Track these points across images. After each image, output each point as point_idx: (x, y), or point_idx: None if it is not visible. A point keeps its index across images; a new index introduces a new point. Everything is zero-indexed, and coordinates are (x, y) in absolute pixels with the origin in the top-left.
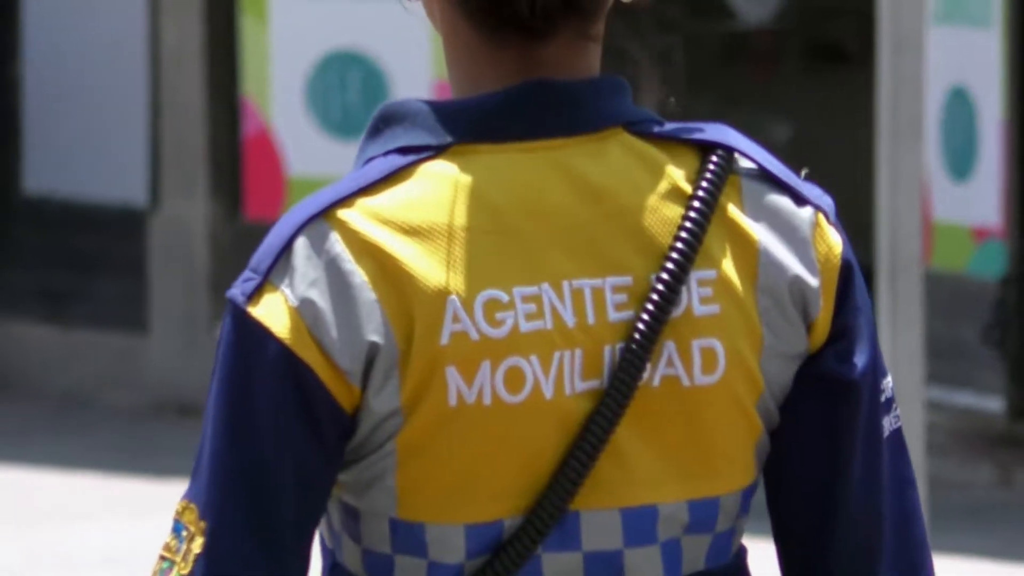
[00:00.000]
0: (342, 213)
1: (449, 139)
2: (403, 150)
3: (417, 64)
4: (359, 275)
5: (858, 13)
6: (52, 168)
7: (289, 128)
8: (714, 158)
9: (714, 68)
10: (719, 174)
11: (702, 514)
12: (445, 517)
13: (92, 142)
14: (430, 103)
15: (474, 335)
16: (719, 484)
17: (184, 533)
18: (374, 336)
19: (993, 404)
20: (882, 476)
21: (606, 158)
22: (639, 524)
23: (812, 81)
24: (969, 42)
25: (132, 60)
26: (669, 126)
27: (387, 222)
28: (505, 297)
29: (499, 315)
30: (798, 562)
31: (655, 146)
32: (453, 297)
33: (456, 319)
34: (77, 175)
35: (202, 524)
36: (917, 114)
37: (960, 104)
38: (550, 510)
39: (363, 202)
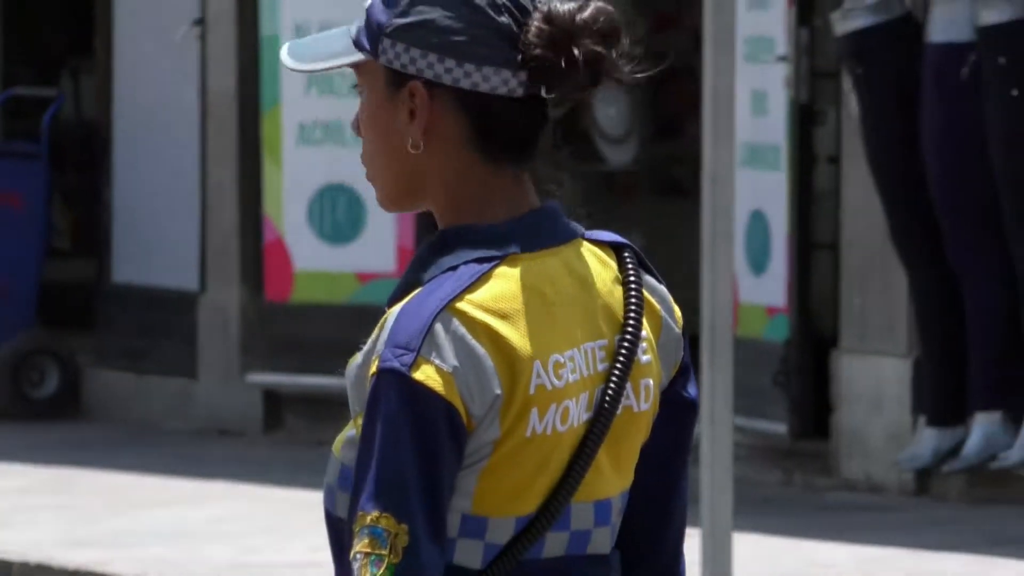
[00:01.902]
0: (459, 305)
1: (507, 251)
2: (479, 260)
3: None
4: (480, 349)
5: (690, 159)
6: (132, 265)
7: (295, 237)
8: (627, 254)
9: (590, 196)
10: (636, 265)
11: (623, 503)
12: (504, 512)
13: (159, 247)
14: (483, 227)
15: (548, 386)
16: (629, 479)
17: (385, 535)
18: (497, 390)
19: (780, 428)
20: (688, 473)
21: (582, 257)
22: (603, 512)
23: (659, 206)
24: (764, 180)
25: (189, 190)
26: (591, 233)
27: (487, 310)
28: (562, 359)
29: (560, 371)
30: (635, 542)
31: (596, 247)
32: (536, 361)
33: (538, 375)
34: (149, 270)
35: (403, 526)
36: (729, 229)
37: (758, 222)
38: (560, 504)
39: (469, 297)
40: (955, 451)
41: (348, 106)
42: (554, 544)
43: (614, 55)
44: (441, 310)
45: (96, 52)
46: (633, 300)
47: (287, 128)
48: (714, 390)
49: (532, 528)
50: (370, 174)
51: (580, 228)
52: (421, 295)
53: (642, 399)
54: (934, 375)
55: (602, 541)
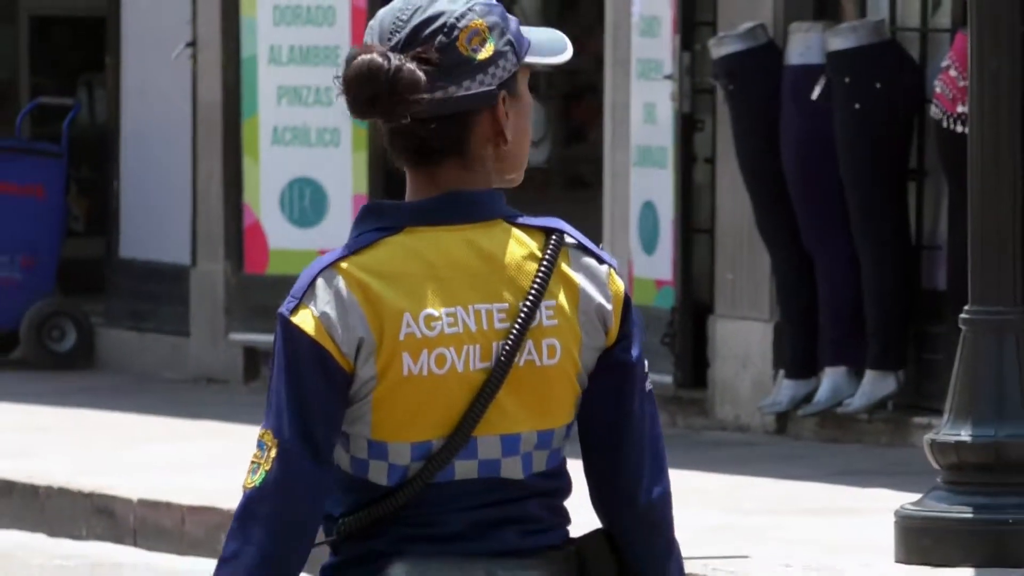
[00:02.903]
0: (342, 264)
1: (402, 224)
2: (378, 229)
3: (344, 186)
4: (351, 299)
5: (593, 159)
6: (135, 243)
7: (270, 221)
8: (553, 237)
9: (510, 189)
10: (555, 247)
11: (545, 438)
12: (399, 438)
13: (158, 228)
14: (391, 203)
15: (418, 335)
16: (554, 421)
17: (265, 447)
18: (361, 334)
19: (666, 379)
20: (645, 416)
21: (492, 235)
22: (511, 444)
23: (567, 197)
24: (654, 176)
25: (182, 182)
26: (526, 218)
27: (365, 270)
28: (437, 313)
29: (433, 324)
30: (598, 470)
31: (521, 230)
32: (407, 313)
33: (408, 325)
34: (149, 247)
35: (276, 440)
36: (625, 217)
37: (648, 211)
38: (462, 436)
39: (352, 259)
40: (808, 398)
41: (312, 113)
42: (465, 469)
43: (387, 95)
44: (326, 268)
45: (107, 68)
46: (540, 273)
47: (263, 132)
48: None
49: (438, 456)
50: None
51: (504, 212)
52: (322, 257)
53: (545, 356)
54: (791, 336)
55: (514, 468)
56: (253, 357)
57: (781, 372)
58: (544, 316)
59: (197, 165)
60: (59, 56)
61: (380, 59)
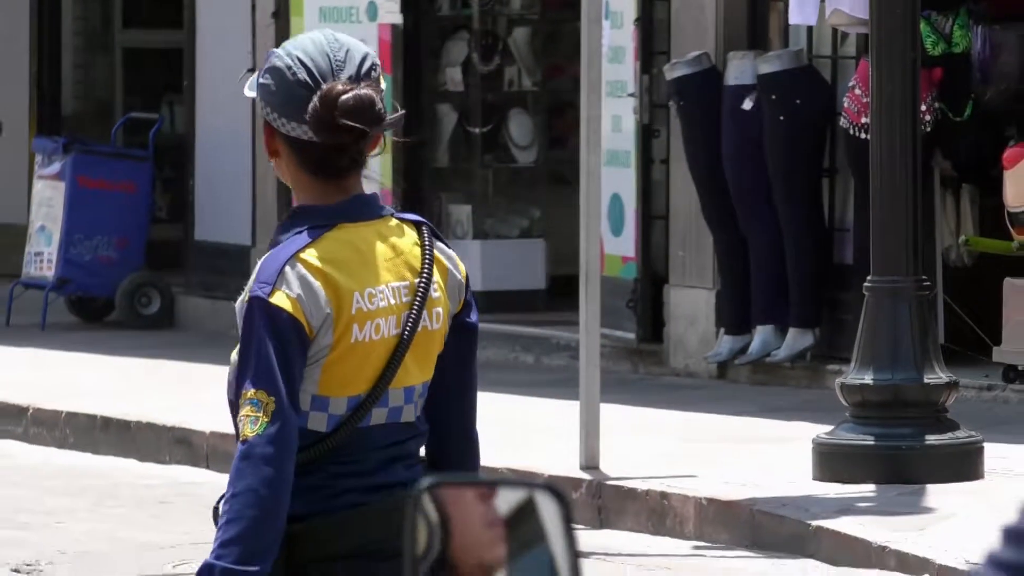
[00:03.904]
0: (302, 255)
1: (335, 222)
2: (312, 228)
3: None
4: (315, 283)
5: (572, 160)
6: (207, 227)
7: None
8: (425, 229)
9: (504, 184)
10: (430, 236)
11: (424, 388)
12: (339, 393)
13: (225, 215)
14: (318, 207)
15: (365, 308)
16: (430, 374)
17: (260, 404)
18: (327, 310)
19: (630, 335)
20: (477, 367)
21: (391, 228)
22: (409, 395)
23: (551, 191)
24: (620, 174)
25: (244, 178)
26: (399, 213)
27: (321, 259)
28: (374, 291)
29: (373, 299)
30: (444, 411)
31: (402, 223)
32: (356, 292)
33: (357, 301)
34: (218, 230)
35: (271, 398)
36: (597, 206)
37: (616, 202)
38: (381, 389)
39: (308, 251)
40: (743, 351)
41: None
42: (379, 416)
43: (371, 121)
44: (290, 258)
45: (184, 89)
46: (427, 257)
47: None
48: (588, 311)
49: (362, 406)
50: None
51: (390, 209)
52: (277, 249)
53: (434, 321)
54: (729, 301)
55: (409, 413)
56: None
57: (722, 330)
58: (432, 290)
59: (255, 166)
60: (147, 80)
61: (372, 92)
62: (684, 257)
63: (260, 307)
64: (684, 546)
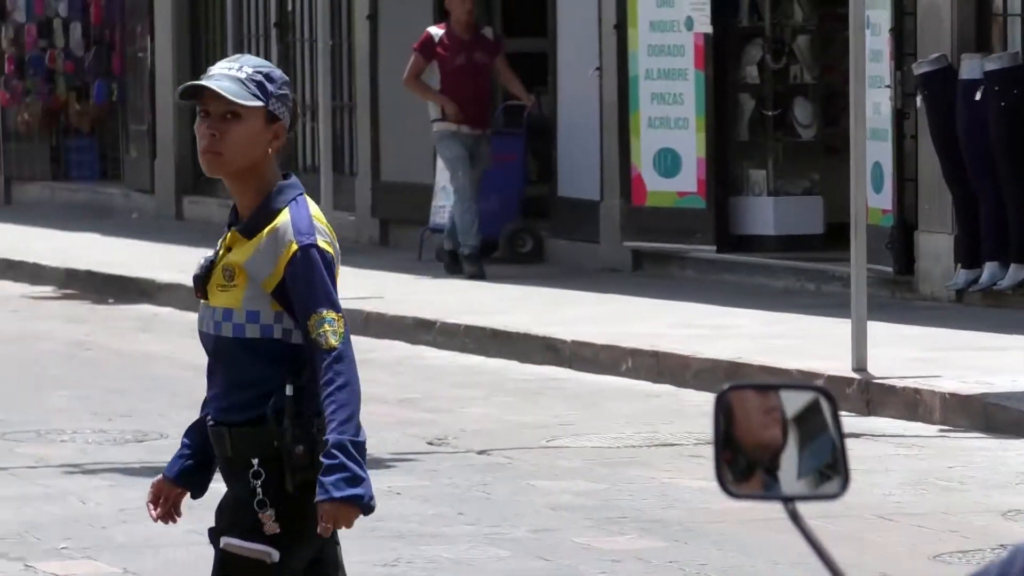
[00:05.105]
0: (314, 212)
1: (304, 189)
2: (300, 193)
3: (691, 152)
4: (328, 233)
5: (842, 136)
6: (567, 186)
7: (647, 173)
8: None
9: (791, 155)
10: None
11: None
12: None
13: (580, 176)
14: (293, 179)
15: (338, 253)
16: None
17: (335, 320)
18: (338, 250)
19: (889, 269)
20: None
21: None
22: None
23: (828, 160)
24: (880, 146)
25: (593, 149)
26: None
27: (320, 218)
28: (336, 243)
29: (334, 246)
30: None
31: None
32: (335, 241)
33: (337, 248)
34: (575, 188)
35: (340, 316)
36: (864, 170)
37: (877, 168)
38: None
39: (315, 211)
40: (976, 281)
41: (671, 109)
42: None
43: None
44: (312, 217)
45: (548, 83)
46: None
47: (642, 121)
48: (857, 250)
49: None
50: (230, 158)
51: None
52: (296, 208)
53: None
54: (964, 242)
55: None
56: (639, 257)
57: (959, 265)
58: None
59: (603, 140)
60: (521, 76)
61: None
62: (929, 209)
63: (317, 251)
64: (931, 430)
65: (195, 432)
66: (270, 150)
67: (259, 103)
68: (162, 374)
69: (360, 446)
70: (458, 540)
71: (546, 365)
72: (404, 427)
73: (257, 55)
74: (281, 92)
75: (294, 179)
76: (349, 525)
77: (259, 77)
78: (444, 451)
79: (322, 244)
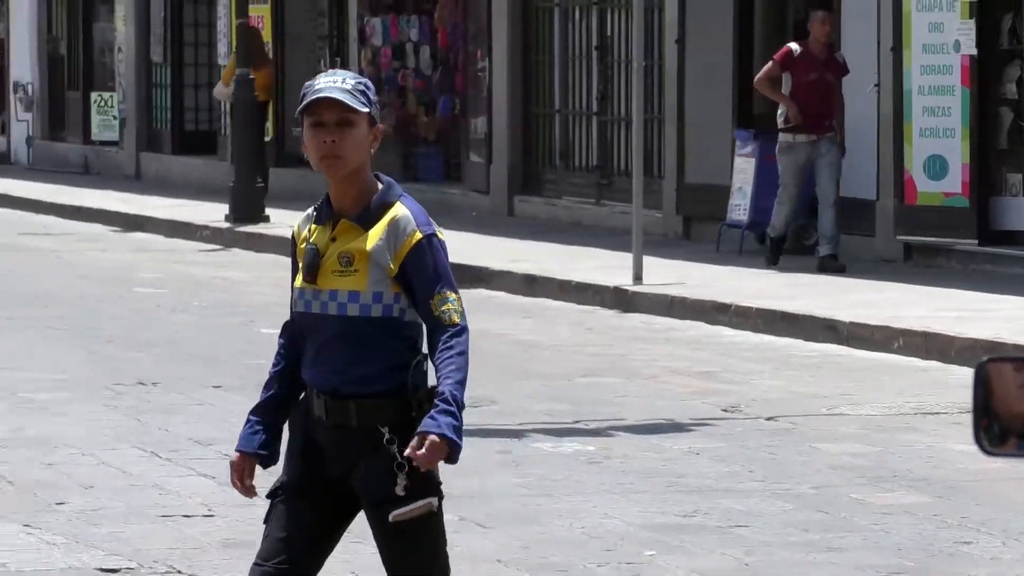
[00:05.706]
0: (419, 207)
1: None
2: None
3: (956, 158)
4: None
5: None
6: (852, 188)
7: (918, 177)
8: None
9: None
10: None
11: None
12: None
13: (858, 181)
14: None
15: None
16: None
17: (455, 299)
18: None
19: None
20: None
21: None
22: None
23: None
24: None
25: (871, 154)
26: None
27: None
28: None
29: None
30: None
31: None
32: None
33: None
34: (852, 188)
35: (458, 296)
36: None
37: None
38: None
39: (416, 204)
40: None
41: (940, 121)
42: None
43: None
44: (422, 209)
45: None
46: None
47: (915, 131)
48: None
49: None
50: (348, 160)
51: None
52: (409, 202)
53: None
54: None
55: None
56: (909, 250)
57: None
58: None
59: (879, 147)
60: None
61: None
62: None
63: (437, 239)
64: None
65: (267, 409)
66: (372, 150)
67: (366, 109)
68: (491, 350)
69: (463, 408)
70: (749, 495)
71: (827, 343)
72: (703, 396)
73: (580, 75)
74: (376, 99)
75: (388, 178)
76: (434, 463)
77: (361, 87)
78: (737, 417)
79: (440, 234)
